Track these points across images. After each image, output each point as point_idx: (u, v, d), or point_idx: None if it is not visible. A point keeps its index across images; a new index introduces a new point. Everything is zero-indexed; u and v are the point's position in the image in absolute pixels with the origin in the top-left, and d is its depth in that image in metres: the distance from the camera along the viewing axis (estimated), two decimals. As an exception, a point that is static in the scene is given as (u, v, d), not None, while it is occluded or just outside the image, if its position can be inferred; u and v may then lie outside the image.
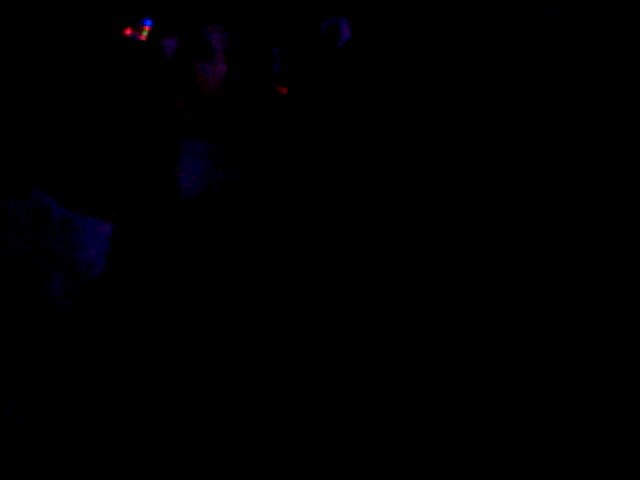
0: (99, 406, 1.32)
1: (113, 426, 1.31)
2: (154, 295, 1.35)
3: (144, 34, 1.38)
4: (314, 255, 1.37)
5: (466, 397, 1.31)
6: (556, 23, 1.43)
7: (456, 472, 1.30)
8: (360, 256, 1.38)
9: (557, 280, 1.34)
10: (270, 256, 1.38)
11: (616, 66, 1.41)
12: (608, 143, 1.38)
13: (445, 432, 1.31)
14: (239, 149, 1.44)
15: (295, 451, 1.31)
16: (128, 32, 1.36)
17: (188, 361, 1.33)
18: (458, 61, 1.44)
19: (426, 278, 1.35)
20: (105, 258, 1.35)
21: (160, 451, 1.31)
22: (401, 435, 1.31)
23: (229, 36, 1.39)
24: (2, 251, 1.32)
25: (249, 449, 1.31)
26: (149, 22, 1.38)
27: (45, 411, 1.30)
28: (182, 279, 1.36)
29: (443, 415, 1.31)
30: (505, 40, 1.44)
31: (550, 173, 1.39)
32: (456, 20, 1.47)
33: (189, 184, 1.42)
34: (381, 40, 1.51)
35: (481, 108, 1.41)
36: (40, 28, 1.44)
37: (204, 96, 1.37)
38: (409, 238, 1.38)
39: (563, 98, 1.41)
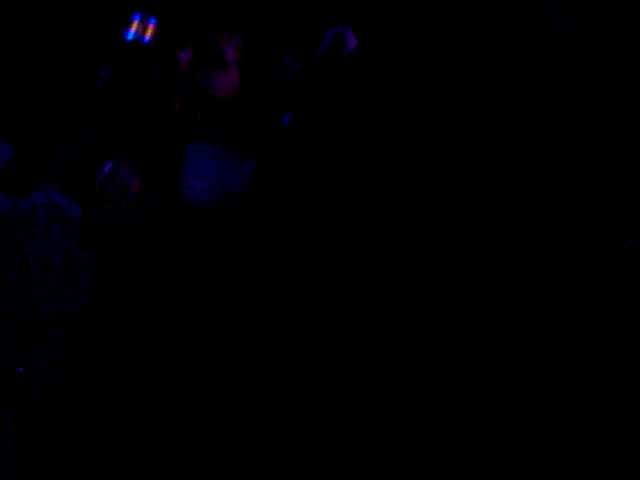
0: (102, 409, 1.33)
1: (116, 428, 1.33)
2: (157, 299, 1.36)
3: (149, 33, 1.38)
4: (319, 262, 1.38)
5: (466, 397, 1.32)
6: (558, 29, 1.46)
7: (456, 472, 1.32)
8: (365, 261, 1.39)
9: (557, 280, 1.36)
10: (274, 263, 1.39)
11: (615, 68, 1.43)
12: (608, 144, 1.40)
13: (445, 432, 1.32)
14: (248, 154, 1.46)
15: (295, 451, 1.32)
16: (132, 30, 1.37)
17: (191, 365, 1.34)
18: (465, 68, 1.46)
19: (426, 279, 1.37)
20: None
21: (162, 451, 1.32)
22: (401, 435, 1.32)
23: (244, 46, 1.41)
24: (15, 249, 1.33)
25: (249, 449, 1.32)
26: (153, 21, 1.38)
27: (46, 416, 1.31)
28: (185, 284, 1.37)
29: (443, 415, 1.32)
30: (515, 49, 1.46)
31: (550, 175, 1.41)
32: (463, 29, 1.49)
33: (194, 187, 1.43)
34: (388, 50, 1.53)
35: (490, 116, 1.42)
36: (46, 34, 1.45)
37: (217, 104, 1.39)
38: (410, 242, 1.40)
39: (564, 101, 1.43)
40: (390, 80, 1.51)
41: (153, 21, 1.38)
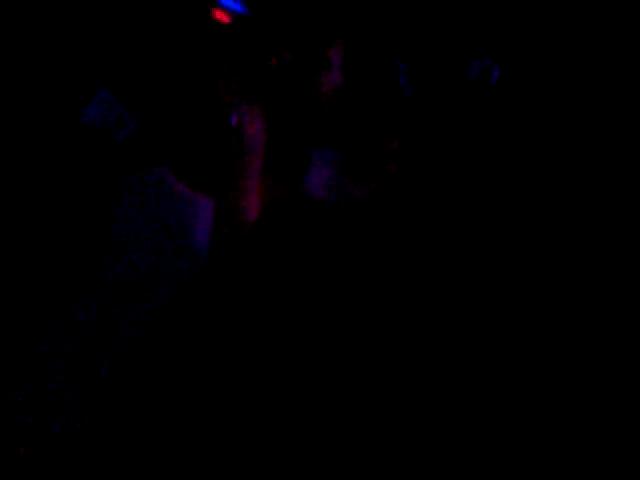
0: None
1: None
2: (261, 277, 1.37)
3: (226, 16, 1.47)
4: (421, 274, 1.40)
5: (466, 397, 1.30)
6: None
7: (456, 472, 1.29)
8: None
9: (557, 280, 1.31)
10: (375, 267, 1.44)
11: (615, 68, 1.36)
12: (608, 144, 1.34)
13: (445, 432, 1.30)
14: (363, 161, 1.54)
15: (295, 451, 1.29)
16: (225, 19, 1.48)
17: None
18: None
19: (426, 279, 1.35)
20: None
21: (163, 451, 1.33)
22: (401, 435, 1.30)
23: (347, 49, 1.50)
24: (121, 222, 1.41)
25: (249, 449, 1.30)
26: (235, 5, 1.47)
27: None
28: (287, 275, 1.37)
29: (443, 415, 1.30)
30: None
31: (550, 174, 1.36)
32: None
33: (318, 186, 1.54)
34: (533, 80, 1.57)
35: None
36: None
37: (322, 104, 1.50)
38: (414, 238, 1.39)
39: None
40: (535, 108, 1.55)
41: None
